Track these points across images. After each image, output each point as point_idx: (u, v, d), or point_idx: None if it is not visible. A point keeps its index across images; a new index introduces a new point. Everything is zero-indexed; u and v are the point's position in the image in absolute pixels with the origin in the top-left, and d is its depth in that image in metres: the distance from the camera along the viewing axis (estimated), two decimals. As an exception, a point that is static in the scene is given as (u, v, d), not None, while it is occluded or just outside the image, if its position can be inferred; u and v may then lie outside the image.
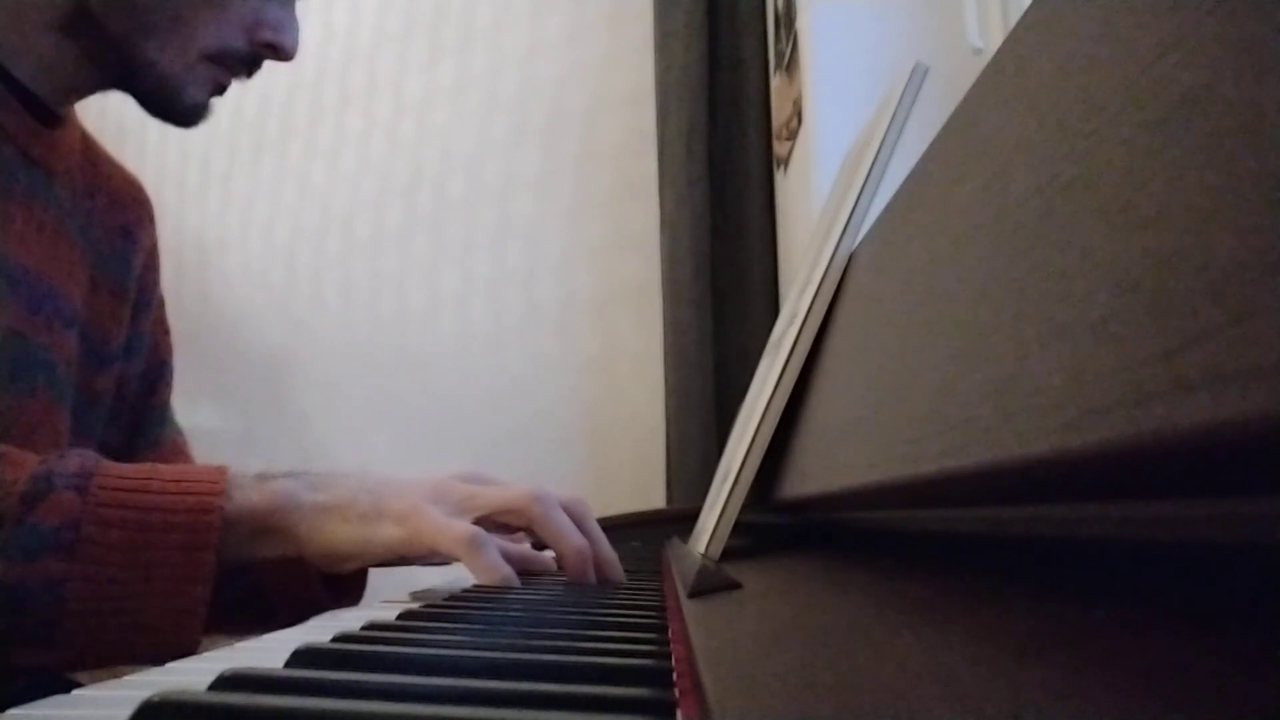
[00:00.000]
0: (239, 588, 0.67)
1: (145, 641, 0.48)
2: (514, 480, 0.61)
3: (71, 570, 0.46)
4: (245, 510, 0.52)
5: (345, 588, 0.67)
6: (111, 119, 2.38)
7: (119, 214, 0.77)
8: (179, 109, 0.67)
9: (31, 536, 0.46)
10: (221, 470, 0.53)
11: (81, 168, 0.73)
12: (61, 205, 0.69)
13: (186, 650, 0.49)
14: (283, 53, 0.67)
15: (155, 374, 0.81)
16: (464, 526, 0.54)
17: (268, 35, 0.66)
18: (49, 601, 0.46)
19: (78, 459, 0.50)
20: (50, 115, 0.68)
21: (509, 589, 0.54)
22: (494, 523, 0.57)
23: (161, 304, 0.83)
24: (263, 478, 0.55)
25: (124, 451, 0.77)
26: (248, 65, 0.68)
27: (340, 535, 0.54)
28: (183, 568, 0.48)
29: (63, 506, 0.47)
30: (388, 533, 0.54)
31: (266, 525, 0.53)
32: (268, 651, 0.33)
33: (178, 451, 0.82)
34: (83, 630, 0.47)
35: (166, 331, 0.84)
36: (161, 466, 0.53)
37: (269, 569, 0.61)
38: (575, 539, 0.57)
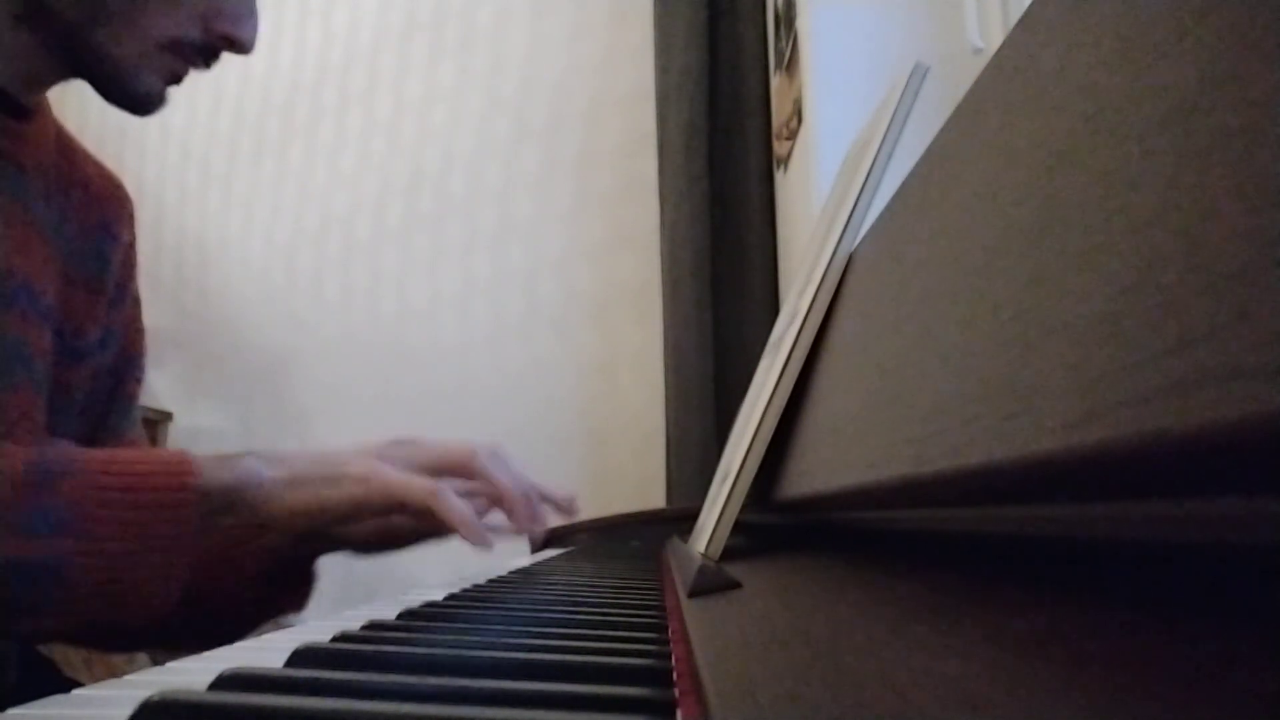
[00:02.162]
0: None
1: (131, 608, 0.54)
2: (447, 438, 0.68)
3: (71, 546, 0.51)
4: (217, 487, 0.57)
5: (289, 585, 0.70)
6: (111, 120, 2.38)
7: (96, 210, 0.77)
8: (133, 97, 0.67)
9: (34, 518, 0.51)
10: (184, 453, 0.58)
11: (56, 164, 0.73)
12: (33, 200, 0.69)
13: (163, 613, 0.55)
14: (239, 45, 0.68)
15: (124, 369, 0.82)
16: (424, 480, 0.60)
17: (224, 27, 0.66)
18: (51, 575, 0.50)
19: (64, 448, 0.55)
20: (18, 108, 0.68)
21: (506, 589, 0.54)
22: (439, 476, 0.63)
23: (137, 302, 0.84)
24: (224, 457, 0.60)
25: (87, 443, 0.77)
26: (205, 56, 0.68)
27: (302, 500, 0.59)
28: (167, 540, 0.54)
29: (60, 491, 0.52)
30: (349, 491, 0.59)
31: (235, 500, 0.58)
32: (268, 651, 0.33)
33: (136, 448, 0.83)
34: (77, 599, 0.52)
35: (140, 330, 0.85)
36: (133, 451, 0.59)
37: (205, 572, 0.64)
38: (519, 486, 0.65)
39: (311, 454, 0.62)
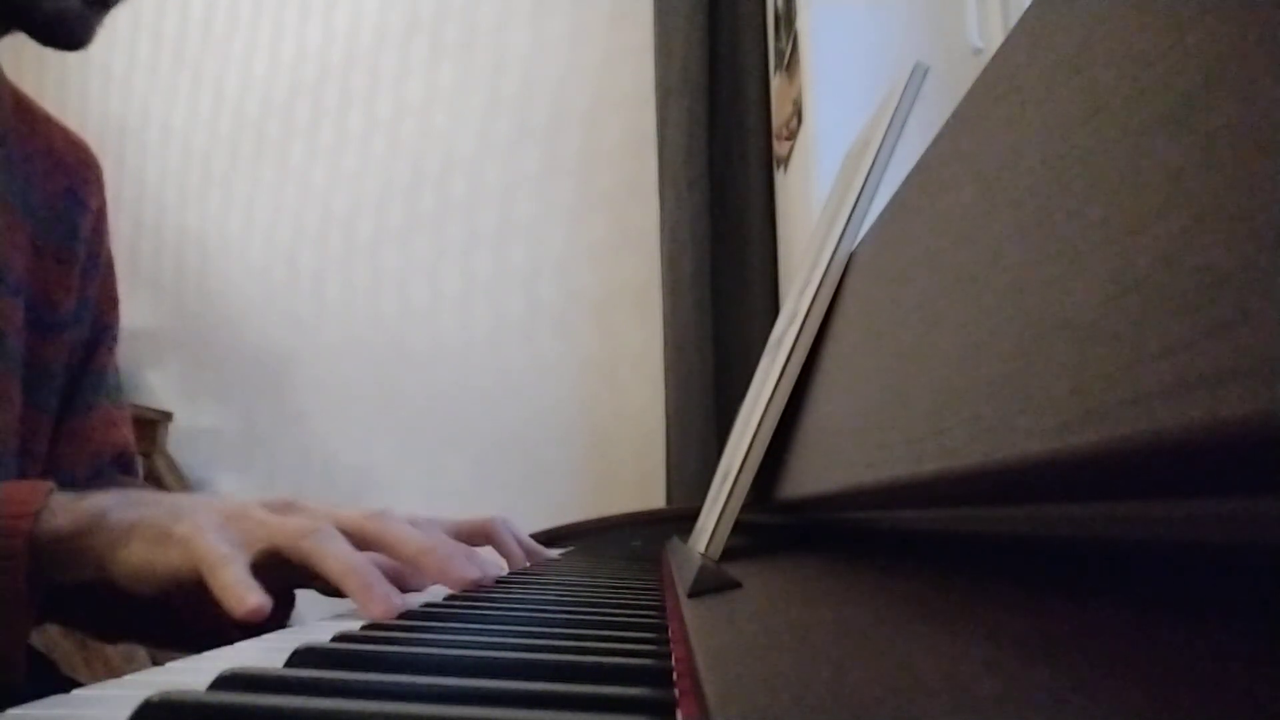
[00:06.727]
0: (148, 605, 0.57)
1: None
2: (336, 508, 0.53)
3: None
4: (51, 535, 0.48)
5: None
6: (112, 120, 2.38)
7: (62, 177, 0.73)
8: (43, 18, 0.61)
9: None
10: (36, 490, 0.50)
11: (17, 131, 0.70)
12: None
13: (11, 677, 0.48)
14: None
15: (95, 339, 0.77)
16: (215, 548, 0.46)
17: None
18: None
19: None
20: None
21: (506, 589, 0.54)
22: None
23: (110, 268, 0.79)
24: (79, 498, 0.51)
25: (59, 419, 0.74)
26: None
27: (135, 557, 0.48)
28: None
29: None
30: (172, 557, 0.47)
31: (74, 548, 0.49)
32: (267, 651, 0.33)
33: (108, 423, 0.77)
34: None
35: (114, 296, 0.80)
36: None
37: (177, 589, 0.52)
38: (426, 542, 0.51)
39: (167, 501, 0.51)
